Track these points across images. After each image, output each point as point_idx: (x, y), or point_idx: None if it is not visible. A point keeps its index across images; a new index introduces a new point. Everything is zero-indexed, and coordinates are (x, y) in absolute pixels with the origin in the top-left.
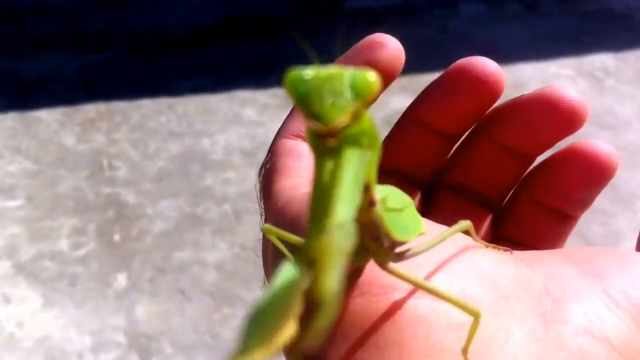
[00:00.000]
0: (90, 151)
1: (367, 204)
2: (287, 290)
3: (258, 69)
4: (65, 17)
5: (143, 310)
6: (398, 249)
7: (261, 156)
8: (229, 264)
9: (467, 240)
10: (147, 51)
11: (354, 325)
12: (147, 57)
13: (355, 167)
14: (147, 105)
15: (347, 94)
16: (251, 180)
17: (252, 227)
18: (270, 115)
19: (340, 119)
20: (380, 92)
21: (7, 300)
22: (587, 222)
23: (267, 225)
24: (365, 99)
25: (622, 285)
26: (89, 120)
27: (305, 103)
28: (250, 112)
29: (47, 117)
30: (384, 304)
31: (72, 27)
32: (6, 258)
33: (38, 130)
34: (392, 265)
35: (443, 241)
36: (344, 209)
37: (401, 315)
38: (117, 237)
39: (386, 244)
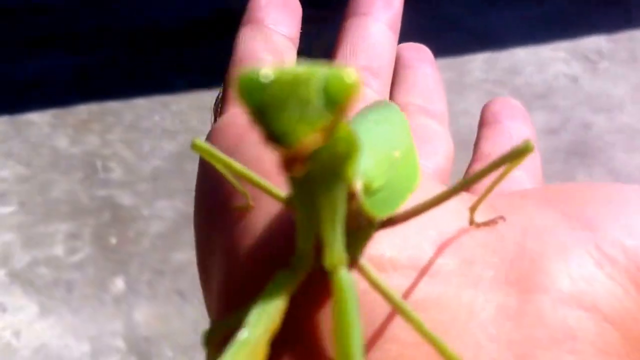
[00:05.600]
0: (83, 153)
1: (348, 200)
2: (282, 291)
3: None
4: (57, 16)
5: (142, 313)
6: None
7: None
8: None
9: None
10: (140, 49)
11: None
12: (139, 54)
13: (335, 199)
14: (140, 104)
15: (319, 102)
16: None
17: None
18: None
19: (310, 138)
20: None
21: (3, 309)
22: None
23: (198, 141)
24: (342, 107)
25: (618, 233)
26: (81, 121)
27: (262, 117)
28: None
29: (39, 120)
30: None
31: (64, 27)
32: (0, 266)
33: (29, 134)
34: (362, 263)
35: (434, 207)
36: (335, 245)
37: None
38: (113, 241)
39: (366, 223)
